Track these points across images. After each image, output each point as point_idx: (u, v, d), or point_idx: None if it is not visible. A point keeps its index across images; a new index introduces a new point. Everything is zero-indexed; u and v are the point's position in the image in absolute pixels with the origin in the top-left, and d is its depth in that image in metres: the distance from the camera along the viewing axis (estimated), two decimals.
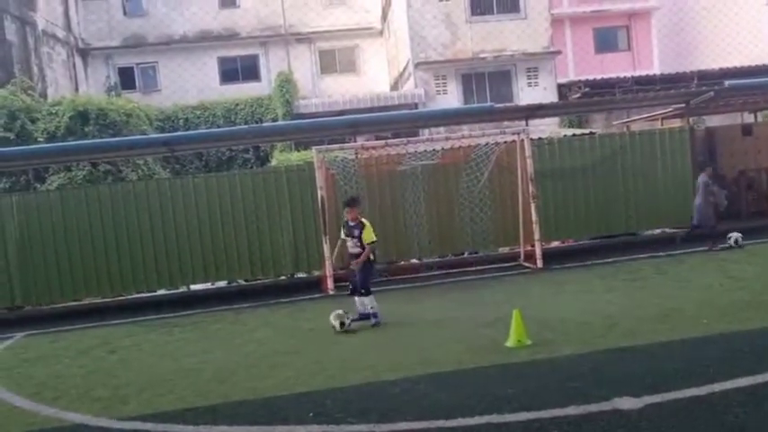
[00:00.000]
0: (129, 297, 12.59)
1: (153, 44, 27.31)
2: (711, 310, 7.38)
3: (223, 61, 28.01)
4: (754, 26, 28.81)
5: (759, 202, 15.30)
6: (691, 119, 16.57)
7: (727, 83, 13.89)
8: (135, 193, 12.33)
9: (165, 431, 5.23)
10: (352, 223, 8.52)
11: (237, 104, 24.73)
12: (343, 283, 11.60)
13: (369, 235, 8.42)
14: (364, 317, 8.42)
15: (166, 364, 7.45)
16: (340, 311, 8.13)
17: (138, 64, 27.59)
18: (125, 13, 27.42)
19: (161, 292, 12.80)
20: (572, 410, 4.78)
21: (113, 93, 25.22)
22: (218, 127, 22.95)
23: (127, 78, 27.29)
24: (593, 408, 4.79)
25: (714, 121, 19.75)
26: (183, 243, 12.31)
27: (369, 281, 8.53)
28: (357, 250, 8.44)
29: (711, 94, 13.63)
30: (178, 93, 26.41)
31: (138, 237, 12.20)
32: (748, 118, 18.79)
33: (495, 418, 4.77)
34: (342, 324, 8.02)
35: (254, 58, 28.36)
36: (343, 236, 8.68)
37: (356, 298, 8.54)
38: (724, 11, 29.99)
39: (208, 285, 13.02)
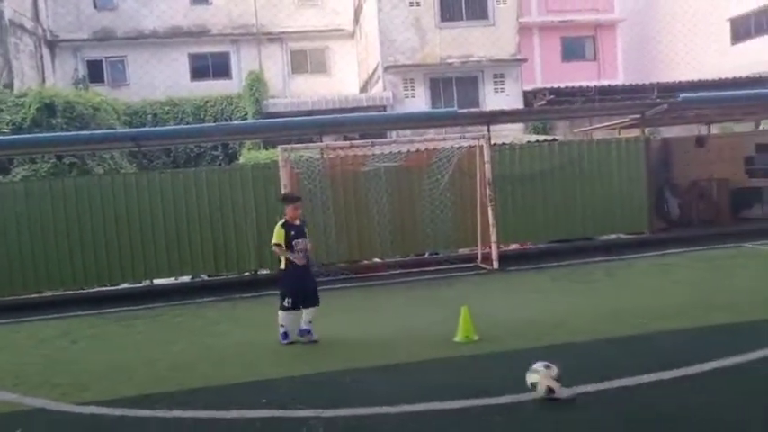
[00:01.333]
0: (92, 290, 12.64)
1: (122, 38, 27.24)
2: (650, 310, 7.80)
3: (194, 58, 28.03)
4: (713, 41, 29.76)
5: (709, 211, 15.90)
6: (647, 129, 17.17)
7: (680, 96, 14.45)
8: (100, 187, 12.40)
9: (122, 415, 5.44)
10: (296, 223, 7.56)
11: (207, 102, 24.77)
12: None
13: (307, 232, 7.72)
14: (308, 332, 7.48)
15: (126, 354, 7.62)
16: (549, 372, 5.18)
17: (106, 57, 27.45)
18: (95, 6, 27.28)
19: (124, 285, 12.89)
20: (508, 398, 5.12)
21: (81, 86, 25.09)
22: (187, 124, 23.01)
23: (95, 72, 27.13)
24: (527, 396, 5.13)
25: (673, 132, 20.42)
26: (147, 238, 12.42)
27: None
28: (306, 254, 7.52)
29: (665, 106, 14.18)
30: (147, 88, 26.39)
31: (102, 231, 12.27)
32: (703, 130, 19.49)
33: (435, 405, 5.09)
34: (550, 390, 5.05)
35: (226, 56, 28.43)
36: (279, 240, 7.40)
37: (309, 310, 7.46)
38: (684, 24, 30.94)
39: (171, 280, 13.14)
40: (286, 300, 7.43)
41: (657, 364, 5.63)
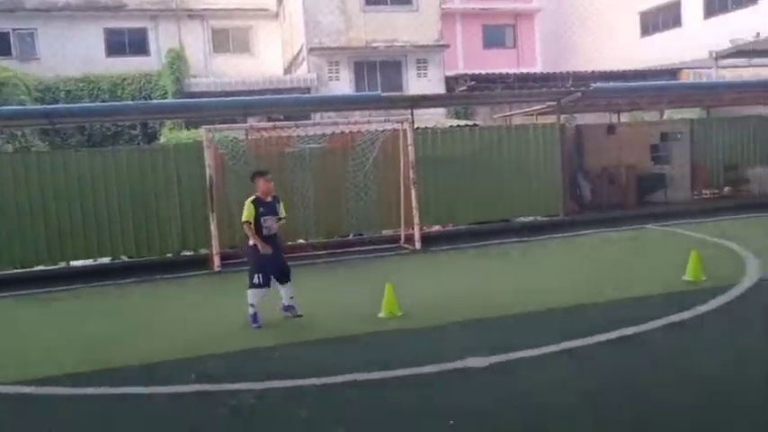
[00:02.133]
0: (5, 273, 12.19)
1: (32, 9, 25.88)
2: (561, 287, 8.34)
3: (110, 33, 26.93)
4: (625, 32, 31.16)
5: (618, 195, 16.81)
6: (563, 116, 17.94)
7: (593, 85, 15.21)
8: (12, 166, 11.93)
9: (46, 394, 5.42)
10: (269, 199, 7.40)
11: (125, 79, 24.00)
12: (231, 261, 11.91)
13: (284, 209, 7.62)
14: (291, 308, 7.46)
15: (46, 335, 7.51)
16: None
17: (14, 29, 26.02)
18: None
19: (40, 267, 12.48)
20: (428, 369, 5.43)
21: None
22: (103, 101, 22.23)
23: (2, 44, 25.70)
24: (447, 366, 5.46)
25: (588, 119, 21.37)
26: (63, 219, 12.05)
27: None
28: (276, 229, 7.45)
29: (579, 94, 14.88)
30: (59, 63, 25.18)
31: (14, 211, 11.82)
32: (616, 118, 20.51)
33: (360, 376, 5.35)
34: None
35: (143, 32, 27.46)
36: (249, 218, 7.23)
37: (285, 287, 7.42)
38: (600, 16, 32.22)
39: (89, 262, 12.82)
40: (256, 277, 7.16)
41: (563, 336, 6.07)
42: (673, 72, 24.46)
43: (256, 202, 7.31)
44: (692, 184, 17.39)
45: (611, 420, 4.26)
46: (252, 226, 7.25)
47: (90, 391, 5.37)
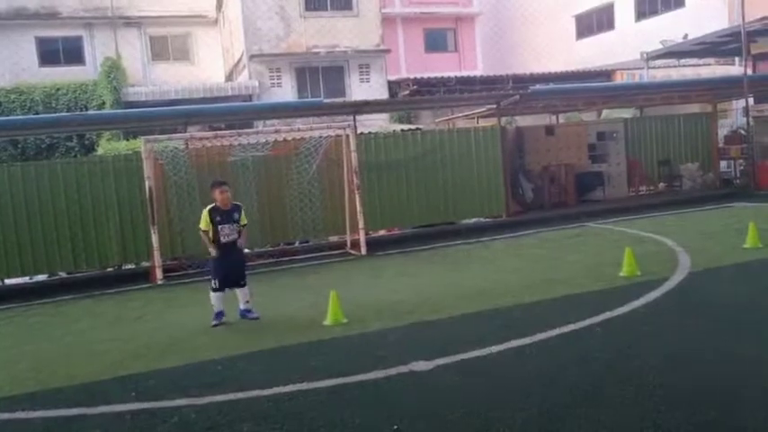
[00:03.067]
0: None
1: None
2: (503, 287, 8.50)
3: (42, 42, 26.16)
4: (563, 35, 31.96)
5: (559, 194, 17.21)
6: (503, 118, 18.28)
7: (531, 88, 15.55)
8: None
9: None
10: (227, 207, 7.75)
11: (59, 89, 23.34)
12: (173, 273, 11.71)
13: (245, 217, 8.02)
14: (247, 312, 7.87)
15: None
16: None
17: None
18: None
19: None
20: (374, 374, 5.46)
21: None
22: (37, 113, 21.56)
23: None
24: (393, 371, 5.50)
25: (528, 120, 21.82)
26: None
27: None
28: (235, 236, 7.79)
29: (517, 97, 15.20)
30: None
31: None
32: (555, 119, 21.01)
33: (305, 386, 5.33)
34: None
35: (78, 41, 26.79)
36: (204, 226, 7.74)
37: (239, 291, 7.87)
38: (538, 20, 32.97)
39: (26, 279, 12.40)
40: (213, 281, 7.75)
41: (507, 335, 6.20)
42: (608, 73, 25.20)
43: (212, 211, 7.74)
44: (628, 181, 17.95)
45: (557, 415, 4.36)
46: (208, 234, 7.74)
47: (22, 415, 5.19)
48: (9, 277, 12.09)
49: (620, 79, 24.01)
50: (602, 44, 29.24)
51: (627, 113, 20.78)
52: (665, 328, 6.15)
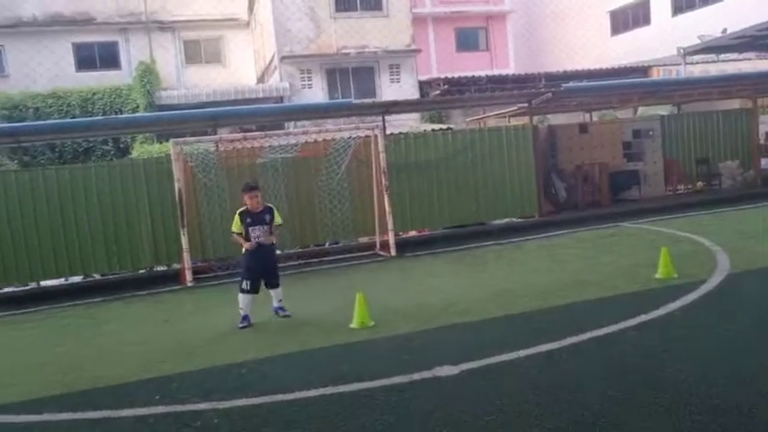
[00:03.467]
0: None
1: None
2: (534, 289, 8.30)
3: (79, 47, 26.66)
4: (597, 32, 31.44)
5: (593, 193, 16.88)
6: (535, 117, 18.00)
7: (563, 86, 15.26)
8: None
9: (7, 422, 5.26)
10: (257, 210, 7.83)
11: (95, 94, 23.73)
12: (203, 275, 11.77)
13: (279, 216, 8.16)
14: (281, 309, 8.03)
15: (10, 359, 7.32)
16: None
17: None
18: None
19: (9, 289, 12.22)
20: (398, 379, 5.34)
21: None
22: (73, 117, 21.96)
23: None
24: (416, 376, 5.37)
25: (561, 119, 21.48)
26: (31, 238, 11.81)
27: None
28: (264, 240, 7.82)
29: (549, 95, 14.93)
30: (28, 79, 24.90)
31: None
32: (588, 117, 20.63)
33: (329, 390, 5.24)
34: None
35: (114, 45, 27.25)
36: (236, 228, 7.86)
37: (273, 291, 8.01)
38: (570, 16, 32.50)
39: (61, 281, 12.60)
40: (244, 282, 7.73)
41: (536, 339, 6.03)
42: (644, 69, 24.68)
43: (243, 214, 7.84)
44: (665, 180, 17.51)
45: (587, 423, 4.19)
46: (236, 236, 7.90)
47: (49, 417, 5.21)
48: (45, 279, 12.28)
49: (657, 76, 23.49)
50: (637, 40, 28.68)
51: (664, 111, 20.30)
52: (702, 333, 5.91)
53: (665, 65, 24.01)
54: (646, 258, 9.19)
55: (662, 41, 25.26)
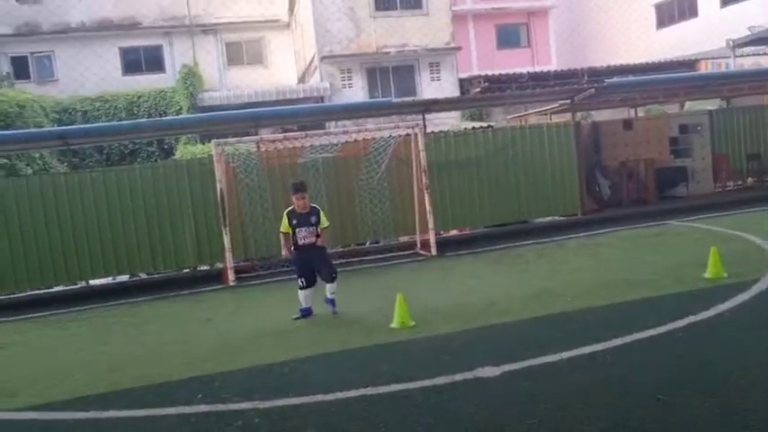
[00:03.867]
0: (24, 294, 12.29)
1: (48, 32, 26.28)
2: (577, 288, 8.14)
3: (125, 52, 27.31)
4: (641, 25, 30.72)
5: (638, 190, 16.51)
6: (579, 114, 17.70)
7: (606, 81, 14.95)
8: (29, 188, 12.02)
9: (53, 419, 5.38)
10: (304, 211, 8.03)
11: (140, 96, 24.27)
12: (245, 275, 11.89)
13: (326, 218, 8.34)
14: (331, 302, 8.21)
15: (58, 358, 7.50)
16: None
17: (32, 53, 26.49)
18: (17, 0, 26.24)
19: (58, 288, 12.57)
20: (439, 380, 5.28)
21: (6, 83, 24.14)
22: (120, 120, 22.48)
23: (20, 68, 26.12)
24: (458, 377, 5.31)
25: (604, 114, 21.08)
26: (80, 238, 12.11)
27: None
28: (312, 239, 8.03)
29: (593, 91, 14.65)
30: (77, 84, 25.57)
31: (32, 232, 11.92)
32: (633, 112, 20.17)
33: (369, 391, 5.22)
34: None
35: (158, 49, 27.81)
36: (284, 229, 8.10)
37: (328, 284, 8.13)
38: (614, 9, 31.82)
39: (108, 280, 12.90)
40: (300, 280, 8.08)
41: (579, 340, 5.90)
42: (691, 63, 24.03)
43: (290, 214, 8.07)
44: (714, 176, 17.01)
45: (633, 428, 4.08)
46: (288, 237, 8.11)
47: (93, 415, 5.31)
48: (93, 278, 12.59)
49: (705, 69, 22.83)
50: (684, 33, 27.92)
51: (712, 105, 19.73)
52: (754, 335, 5.70)
53: (713, 58, 23.32)
54: (694, 257, 8.92)
55: (710, 34, 24.51)
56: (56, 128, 17.25)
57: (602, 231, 12.89)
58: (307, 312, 8.10)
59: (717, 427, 3.99)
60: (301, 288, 8.09)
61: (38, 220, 11.95)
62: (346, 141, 13.41)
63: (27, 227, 11.90)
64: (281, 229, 8.19)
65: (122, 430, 5.03)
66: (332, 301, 8.17)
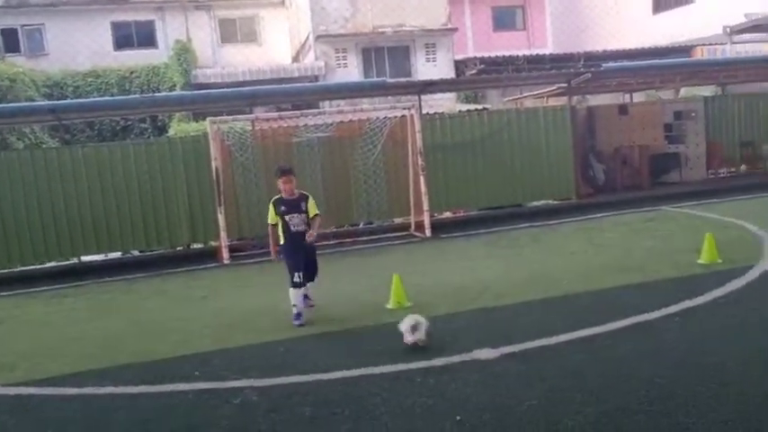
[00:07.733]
0: (16, 270, 12.22)
1: (38, 5, 25.84)
2: (572, 272, 8.17)
3: (117, 26, 26.89)
4: (638, 10, 30.59)
5: (632, 176, 16.54)
6: (575, 98, 17.66)
7: (603, 65, 14.92)
8: (20, 163, 11.91)
9: (50, 394, 5.38)
10: (292, 197, 7.08)
11: (132, 72, 24.01)
12: (240, 253, 11.86)
13: (315, 206, 7.23)
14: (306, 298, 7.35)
15: (55, 333, 7.49)
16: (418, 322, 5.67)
17: (22, 26, 26.04)
18: None
19: (51, 264, 12.49)
20: (437, 362, 5.31)
21: None
22: (112, 95, 22.25)
23: (10, 41, 25.71)
24: (456, 359, 5.33)
25: (599, 99, 21.03)
26: (72, 214, 12.04)
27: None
28: (304, 227, 7.02)
29: (589, 75, 14.61)
30: (68, 58, 25.22)
31: (23, 208, 11.83)
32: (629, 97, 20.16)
33: (367, 371, 5.24)
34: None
35: (151, 24, 27.40)
36: (272, 220, 7.18)
37: (309, 283, 7.32)
38: None
39: (101, 257, 12.83)
40: (295, 275, 6.93)
41: (576, 323, 5.93)
42: (687, 49, 23.98)
43: (277, 202, 7.10)
44: (707, 162, 17.07)
45: (632, 410, 4.11)
46: (277, 227, 7.12)
47: (90, 390, 5.31)
48: (85, 254, 12.52)
49: (701, 55, 22.80)
50: (680, 19, 27.83)
51: (708, 92, 19.73)
52: (748, 320, 5.75)
53: (709, 44, 23.28)
54: (688, 243, 8.99)
55: (706, 20, 24.44)
56: (47, 102, 17.02)
57: (596, 216, 12.93)
58: (302, 317, 6.95)
59: (713, 410, 4.03)
60: (296, 286, 6.92)
61: (30, 195, 11.85)
62: (341, 121, 13.33)
63: (18, 202, 11.80)
64: (269, 221, 7.18)
65: (119, 406, 5.02)
66: (307, 297, 7.34)
